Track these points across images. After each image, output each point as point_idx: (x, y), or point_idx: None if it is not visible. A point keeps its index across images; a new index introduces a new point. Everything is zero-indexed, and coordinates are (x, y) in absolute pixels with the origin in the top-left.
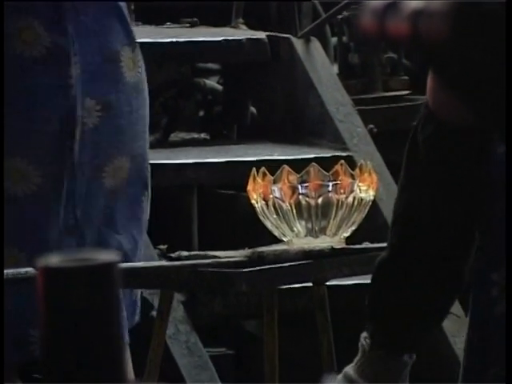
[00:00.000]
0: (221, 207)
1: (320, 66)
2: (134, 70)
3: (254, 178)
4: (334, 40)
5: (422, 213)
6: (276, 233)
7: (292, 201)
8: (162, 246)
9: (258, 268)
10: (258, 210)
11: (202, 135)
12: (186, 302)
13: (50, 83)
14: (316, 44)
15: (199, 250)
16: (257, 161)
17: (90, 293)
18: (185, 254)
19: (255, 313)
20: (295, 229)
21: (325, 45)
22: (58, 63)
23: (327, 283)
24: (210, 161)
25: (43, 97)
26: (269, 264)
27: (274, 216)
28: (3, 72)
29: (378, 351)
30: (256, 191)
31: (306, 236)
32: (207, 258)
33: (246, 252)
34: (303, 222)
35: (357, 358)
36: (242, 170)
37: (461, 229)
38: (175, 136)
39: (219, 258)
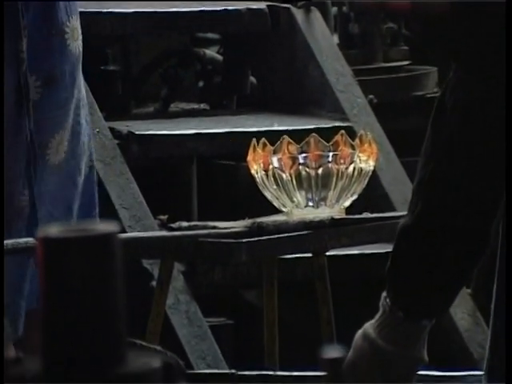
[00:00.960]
0: (220, 178)
1: (320, 36)
2: (78, 40)
3: (254, 149)
4: (334, 10)
5: (451, 178)
6: (276, 203)
7: (292, 171)
8: (162, 217)
9: (258, 238)
10: (258, 180)
11: (202, 105)
12: (186, 272)
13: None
14: (316, 14)
15: (199, 220)
16: (257, 131)
17: (89, 263)
18: (185, 224)
19: (255, 283)
20: (295, 199)
21: (325, 15)
22: (10, 37)
23: (327, 253)
24: (209, 131)
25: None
26: (268, 234)
27: (274, 186)
28: (3, 72)
29: (397, 314)
30: (256, 162)
31: (305, 206)
32: (207, 229)
33: (246, 222)
34: (303, 193)
35: (377, 316)
36: (241, 141)
37: (489, 192)
38: (175, 106)
39: (219, 228)
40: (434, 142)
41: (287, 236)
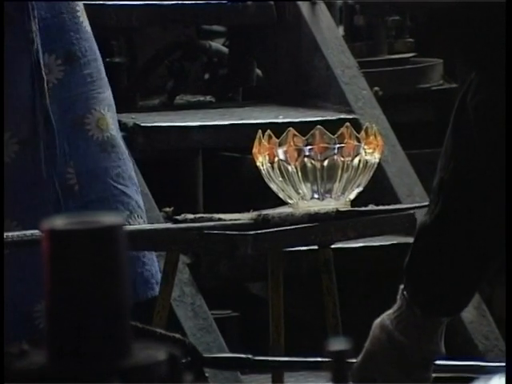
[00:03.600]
0: (226, 170)
1: (325, 28)
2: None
3: (260, 141)
4: (339, 2)
5: (472, 178)
6: (281, 195)
7: (297, 163)
8: (167, 209)
9: (264, 231)
10: (264, 172)
11: (208, 98)
12: (192, 264)
13: (14, 43)
14: (321, 6)
15: (204, 212)
16: (262, 123)
17: (94, 255)
18: (190, 216)
19: (260, 275)
20: (300, 191)
21: (330, 7)
22: (20, 19)
23: (332, 246)
24: (215, 123)
25: (10, 58)
26: (274, 227)
27: (280, 179)
28: (3, 72)
29: (415, 310)
30: (261, 154)
31: (311, 198)
32: (212, 221)
33: (252, 215)
34: (309, 185)
35: (395, 308)
36: (247, 133)
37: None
38: (180, 99)
39: (224, 220)
40: (455, 142)
41: (293, 228)
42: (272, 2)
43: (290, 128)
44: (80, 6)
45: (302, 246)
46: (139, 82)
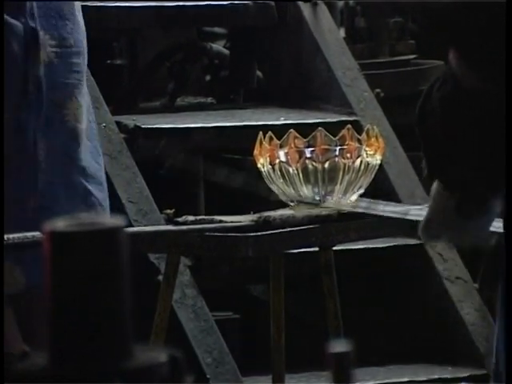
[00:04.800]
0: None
1: (327, 29)
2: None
3: (261, 143)
4: (340, 3)
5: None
6: (282, 197)
7: (298, 165)
8: (168, 211)
9: (265, 233)
10: (265, 174)
11: (209, 99)
12: (193, 266)
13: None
14: (323, 8)
15: (206, 214)
16: (263, 125)
17: (96, 257)
18: (191, 218)
19: (261, 277)
20: (302, 193)
21: (331, 9)
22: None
23: (334, 247)
24: (216, 125)
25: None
26: (275, 228)
27: (281, 180)
28: (3, 72)
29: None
30: (262, 156)
31: (312, 200)
32: (214, 223)
33: (253, 216)
34: (310, 187)
35: None
36: (248, 135)
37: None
38: (181, 100)
39: (225, 222)
40: (421, 126)
41: (294, 230)
42: (273, 4)
43: (291, 130)
44: (78, 4)
45: (303, 247)
46: (140, 84)
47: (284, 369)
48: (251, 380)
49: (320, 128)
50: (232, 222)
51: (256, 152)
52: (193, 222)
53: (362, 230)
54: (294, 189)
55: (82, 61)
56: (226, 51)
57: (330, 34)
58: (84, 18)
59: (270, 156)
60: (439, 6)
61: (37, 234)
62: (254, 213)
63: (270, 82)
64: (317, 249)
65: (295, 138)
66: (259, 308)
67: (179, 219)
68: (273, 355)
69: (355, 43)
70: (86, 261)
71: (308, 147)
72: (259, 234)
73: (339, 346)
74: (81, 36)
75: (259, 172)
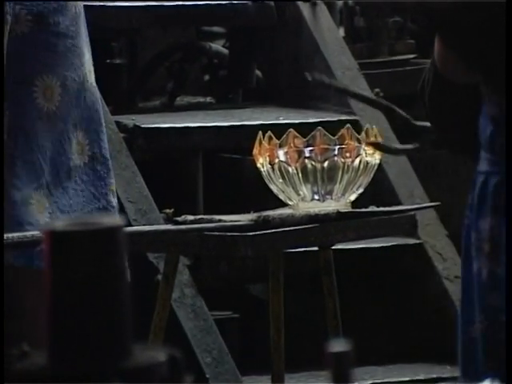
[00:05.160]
0: (226, 171)
1: (326, 29)
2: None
3: (260, 142)
4: (339, 3)
5: None
6: (282, 197)
7: (298, 164)
8: (167, 210)
9: (264, 232)
10: (264, 173)
11: (208, 99)
12: (192, 265)
13: None
14: (322, 7)
15: (205, 214)
16: (262, 125)
17: (95, 257)
18: (190, 218)
19: (261, 276)
20: (301, 192)
21: (331, 8)
22: None
23: (333, 247)
24: (215, 125)
25: None
26: (274, 228)
27: (280, 180)
28: (3, 72)
29: None
30: (262, 155)
31: (311, 200)
32: (213, 222)
33: (252, 216)
34: (309, 186)
35: None
36: (247, 134)
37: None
38: (181, 100)
39: (225, 222)
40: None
41: (293, 229)
42: (272, 4)
43: (291, 129)
44: None
45: (302, 247)
46: (139, 84)
47: (283, 368)
48: (250, 379)
49: (319, 127)
50: (231, 221)
51: (255, 151)
52: (192, 222)
53: (361, 230)
54: (293, 188)
55: (63, 43)
56: (225, 51)
57: (329, 34)
58: (84, 16)
59: (269, 155)
60: (439, 6)
61: (36, 233)
62: (253, 212)
63: (269, 81)
64: (316, 248)
65: (294, 137)
66: (258, 307)
67: (178, 219)
68: (272, 354)
69: (354, 43)
70: (86, 260)
71: (307, 146)
72: (258, 233)
73: (338, 346)
74: (67, 20)
75: (258, 171)
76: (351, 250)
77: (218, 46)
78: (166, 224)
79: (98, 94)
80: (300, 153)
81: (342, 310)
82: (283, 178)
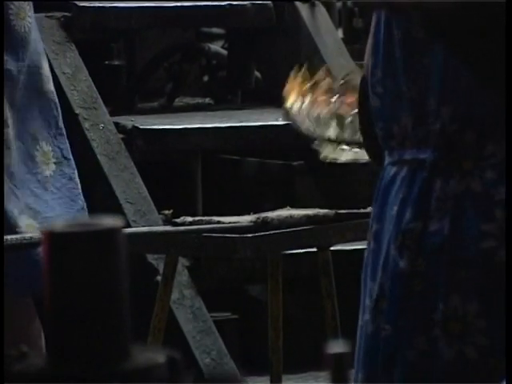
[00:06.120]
0: (225, 172)
1: (324, 30)
2: (25, 19)
3: (293, 78)
4: (338, 4)
5: None
6: (308, 134)
7: (327, 108)
8: (166, 212)
9: (263, 233)
10: (293, 112)
11: (207, 100)
12: (191, 267)
13: None
14: (321, 9)
15: (204, 215)
16: (261, 126)
17: (94, 258)
18: (189, 219)
19: (259, 278)
20: (328, 134)
21: (329, 9)
22: None
23: (331, 248)
24: (214, 126)
25: None
26: (273, 229)
27: (307, 120)
28: (3, 72)
29: None
30: (292, 93)
31: (338, 145)
32: (212, 224)
33: (251, 217)
34: (337, 128)
35: None
36: (246, 135)
37: None
38: (179, 101)
39: (223, 223)
40: None
41: (292, 231)
42: (271, 5)
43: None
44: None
45: (300, 248)
46: (138, 85)
47: (282, 369)
48: (249, 380)
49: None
50: (230, 222)
51: (287, 88)
52: (191, 223)
53: (360, 230)
54: (320, 129)
55: (11, 64)
56: (224, 52)
57: (327, 35)
58: (83, 18)
59: (300, 94)
60: (437, 6)
61: (35, 235)
62: (252, 214)
63: (268, 82)
64: (314, 249)
65: (327, 76)
66: (257, 308)
67: (177, 220)
68: (271, 355)
69: (353, 44)
70: (85, 261)
71: (337, 94)
72: (257, 234)
73: (337, 347)
74: (11, 41)
75: (257, 173)
76: (349, 250)
77: (216, 47)
78: (165, 225)
79: (55, 99)
80: (330, 97)
81: (341, 311)
82: (311, 118)
